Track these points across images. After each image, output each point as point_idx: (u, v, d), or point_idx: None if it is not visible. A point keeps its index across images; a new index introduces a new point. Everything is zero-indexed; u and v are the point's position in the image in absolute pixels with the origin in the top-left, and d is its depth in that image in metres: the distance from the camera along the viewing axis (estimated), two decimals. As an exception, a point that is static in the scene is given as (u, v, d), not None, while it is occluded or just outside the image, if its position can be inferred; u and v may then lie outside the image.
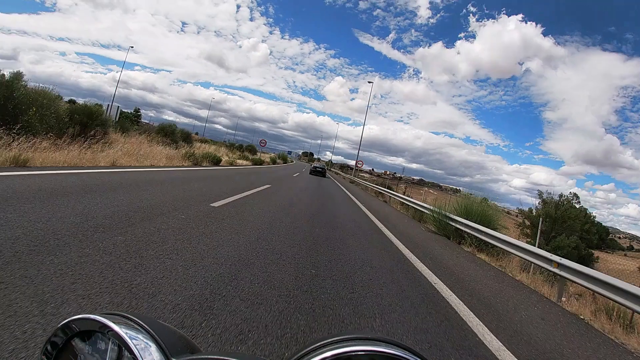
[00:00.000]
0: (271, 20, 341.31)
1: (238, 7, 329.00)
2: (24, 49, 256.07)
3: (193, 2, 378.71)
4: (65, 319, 0.43)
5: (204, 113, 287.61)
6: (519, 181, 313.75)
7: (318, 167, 26.86)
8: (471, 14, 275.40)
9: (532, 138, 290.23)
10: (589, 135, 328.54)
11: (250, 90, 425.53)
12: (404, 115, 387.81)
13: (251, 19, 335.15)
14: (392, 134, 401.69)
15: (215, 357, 0.38)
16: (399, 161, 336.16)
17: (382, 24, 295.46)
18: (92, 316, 0.41)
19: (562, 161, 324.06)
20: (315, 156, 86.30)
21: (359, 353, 0.35)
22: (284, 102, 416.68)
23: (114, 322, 0.40)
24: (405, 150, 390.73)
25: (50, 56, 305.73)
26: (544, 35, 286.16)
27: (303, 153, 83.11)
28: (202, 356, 0.40)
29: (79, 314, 0.43)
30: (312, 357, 0.36)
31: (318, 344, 0.38)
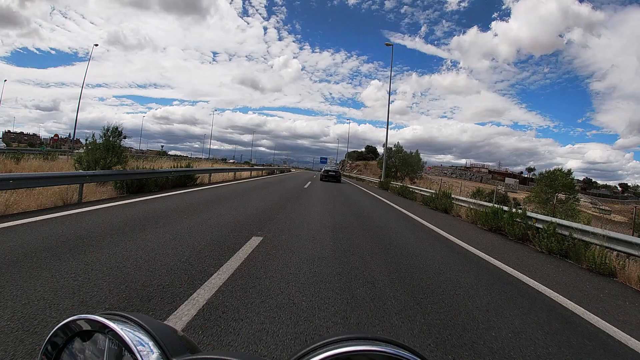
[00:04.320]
0: (299, 36, 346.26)
1: (265, 29, 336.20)
2: (64, 99, 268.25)
3: (221, 32, 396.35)
4: (65, 319, 0.43)
5: (246, 138, 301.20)
6: (575, 162, 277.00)
7: (331, 171, 23.48)
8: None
9: (582, 114, 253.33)
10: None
11: (288, 109, 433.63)
12: (447, 110, 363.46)
13: (280, 39, 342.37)
14: (436, 132, 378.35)
15: (215, 357, 0.38)
16: (447, 158, 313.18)
17: (411, 20, 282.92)
18: (92, 316, 0.41)
19: (616, 134, 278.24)
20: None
21: (358, 353, 0.35)
22: (323, 116, 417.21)
23: (114, 322, 0.40)
24: (453, 147, 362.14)
25: (91, 102, 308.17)
26: (580, 2, 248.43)
27: (349, 154, 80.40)
28: (202, 356, 0.39)
29: (79, 314, 0.43)
30: (312, 357, 0.35)
31: (318, 344, 0.37)
